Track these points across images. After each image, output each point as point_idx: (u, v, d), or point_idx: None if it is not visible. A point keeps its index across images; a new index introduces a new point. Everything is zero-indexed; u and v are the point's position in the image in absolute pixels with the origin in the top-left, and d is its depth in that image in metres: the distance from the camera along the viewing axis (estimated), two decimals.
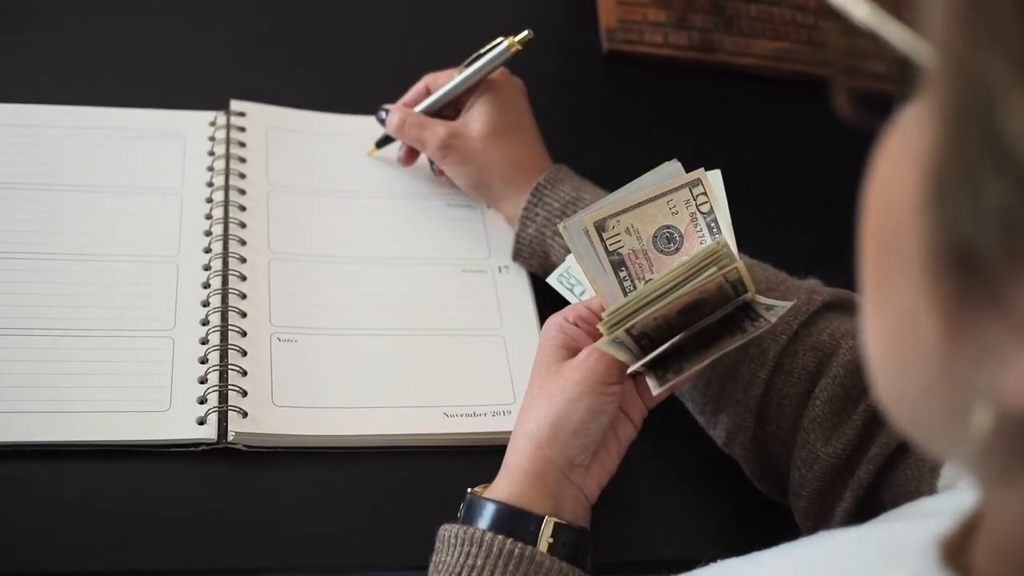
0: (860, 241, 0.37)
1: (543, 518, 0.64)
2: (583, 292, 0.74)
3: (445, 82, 0.88)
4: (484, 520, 0.64)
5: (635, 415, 0.70)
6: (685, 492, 0.79)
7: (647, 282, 0.68)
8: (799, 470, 0.72)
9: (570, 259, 0.74)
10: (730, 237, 0.69)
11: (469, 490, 0.68)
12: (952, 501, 0.44)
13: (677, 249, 0.70)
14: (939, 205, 0.31)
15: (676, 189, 0.70)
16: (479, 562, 0.62)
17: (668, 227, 0.70)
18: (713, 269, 0.65)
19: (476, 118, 0.86)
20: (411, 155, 0.92)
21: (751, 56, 1.11)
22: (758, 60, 1.11)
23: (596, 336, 0.68)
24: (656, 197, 0.70)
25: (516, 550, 0.63)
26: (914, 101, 0.34)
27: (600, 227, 0.69)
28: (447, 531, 0.65)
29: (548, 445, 0.66)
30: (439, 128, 0.86)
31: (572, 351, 0.69)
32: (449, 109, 0.89)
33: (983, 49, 0.30)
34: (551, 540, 0.64)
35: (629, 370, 0.67)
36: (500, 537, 0.63)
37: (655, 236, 0.70)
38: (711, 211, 0.70)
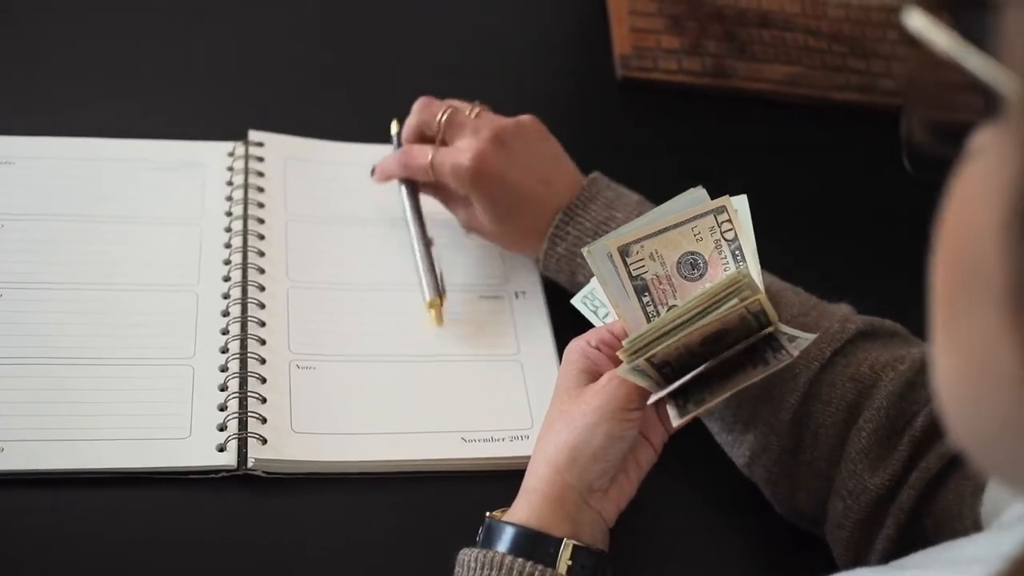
0: (932, 269, 0.36)
1: (562, 540, 0.64)
2: (607, 315, 0.73)
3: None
4: (503, 544, 0.65)
5: (656, 440, 0.70)
6: (708, 517, 0.79)
7: (670, 308, 0.68)
8: (844, 500, 0.71)
9: (594, 281, 0.74)
10: (754, 265, 0.69)
11: (488, 514, 0.68)
12: (994, 545, 0.44)
13: (701, 275, 0.70)
14: (1021, 239, 0.31)
15: (701, 216, 0.70)
16: None
17: (692, 253, 0.70)
18: (735, 300, 0.64)
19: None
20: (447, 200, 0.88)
21: (764, 81, 1.12)
22: (771, 85, 1.11)
23: (618, 361, 0.68)
24: (681, 223, 0.70)
25: (536, 573, 0.63)
26: (992, 130, 0.34)
27: (624, 252, 0.69)
28: (466, 555, 0.65)
29: (567, 469, 0.66)
30: (464, 152, 0.82)
31: (594, 375, 0.69)
32: None
33: None
34: (570, 563, 0.64)
35: (650, 400, 0.67)
36: (520, 560, 0.63)
37: (679, 262, 0.70)
38: (735, 238, 0.70)
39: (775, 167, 1.07)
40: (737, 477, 0.77)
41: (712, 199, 0.71)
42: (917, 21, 0.36)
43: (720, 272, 0.69)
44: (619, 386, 0.66)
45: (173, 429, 0.74)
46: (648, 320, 0.69)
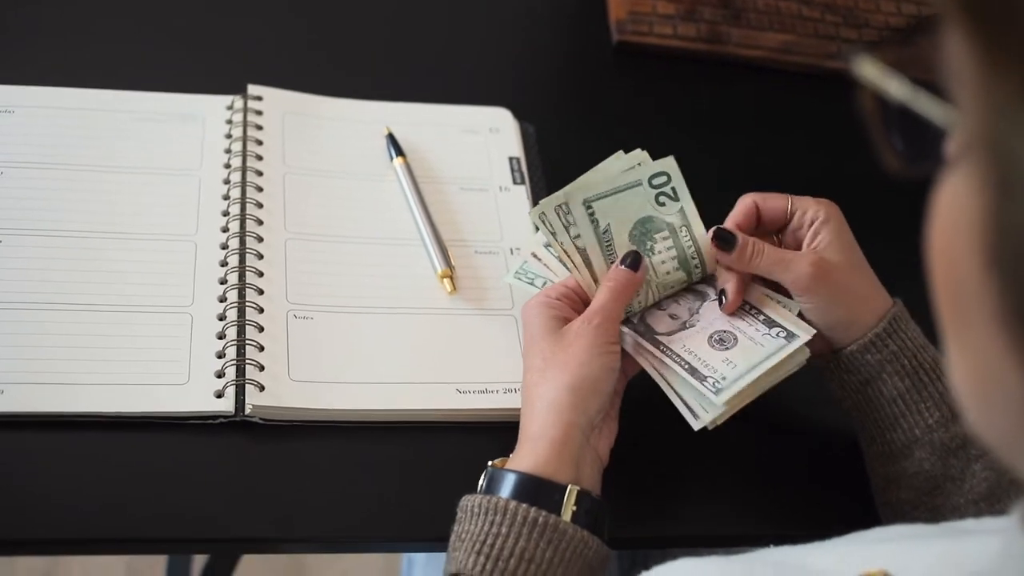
0: (932, 287, 0.37)
1: (567, 487, 0.66)
2: (544, 283, 0.80)
3: (779, 207, 0.77)
4: (506, 490, 0.66)
5: (628, 368, 0.75)
6: (707, 469, 0.81)
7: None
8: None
9: (527, 256, 0.81)
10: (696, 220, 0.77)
11: (490, 463, 0.69)
12: (1001, 521, 0.45)
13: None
14: (1002, 273, 0.32)
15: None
16: (503, 530, 0.64)
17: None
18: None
19: (834, 248, 0.74)
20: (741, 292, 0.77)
21: (759, 48, 1.13)
22: (765, 52, 1.13)
23: (580, 310, 0.74)
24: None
25: (540, 518, 0.64)
26: (958, 161, 0.35)
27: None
28: (469, 501, 0.67)
29: (572, 408, 0.68)
30: (805, 259, 0.74)
31: (564, 323, 0.73)
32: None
33: (1013, 127, 0.30)
34: (574, 508, 0.65)
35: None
36: (524, 505, 0.64)
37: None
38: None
39: (767, 132, 1.08)
40: (733, 434, 0.79)
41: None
42: (868, 70, 0.37)
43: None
44: (602, 323, 0.71)
45: (172, 375, 0.75)
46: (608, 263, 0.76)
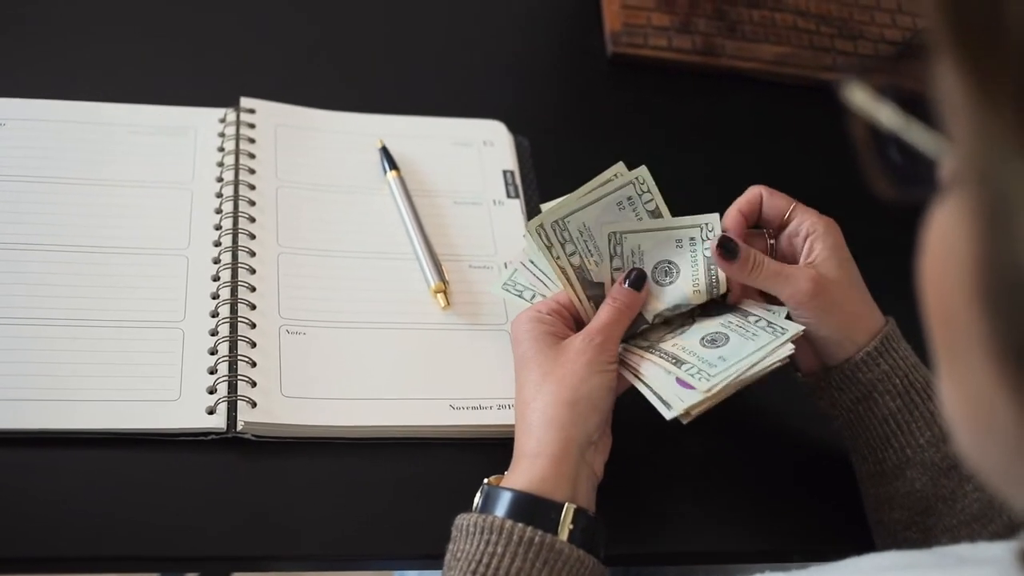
0: (924, 315, 0.37)
1: (563, 505, 0.65)
2: (533, 296, 0.79)
3: (780, 206, 0.78)
4: (502, 509, 0.65)
5: (619, 386, 0.74)
6: (698, 485, 0.80)
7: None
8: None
9: (516, 267, 0.81)
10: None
11: (485, 480, 0.69)
12: (996, 549, 0.44)
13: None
14: (993, 309, 0.31)
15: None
16: (499, 550, 0.63)
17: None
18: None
19: (831, 264, 0.74)
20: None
21: (754, 60, 1.12)
22: (760, 64, 1.12)
23: (571, 325, 0.74)
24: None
25: (536, 538, 0.63)
26: (950, 188, 0.34)
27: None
28: (464, 520, 0.66)
29: (572, 425, 0.68)
30: (804, 274, 0.73)
31: (557, 338, 0.73)
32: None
33: (1004, 162, 0.30)
34: (571, 527, 0.65)
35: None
36: (520, 525, 0.64)
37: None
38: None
39: (763, 145, 1.08)
40: (728, 448, 0.78)
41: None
42: (859, 98, 0.37)
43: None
44: (602, 342, 0.71)
45: (163, 391, 0.75)
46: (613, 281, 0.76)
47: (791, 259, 0.77)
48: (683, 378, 0.70)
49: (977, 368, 0.33)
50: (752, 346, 0.72)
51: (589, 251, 0.75)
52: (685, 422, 0.70)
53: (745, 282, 0.75)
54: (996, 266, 0.31)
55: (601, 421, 0.70)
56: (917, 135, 0.35)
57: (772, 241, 0.78)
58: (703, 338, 0.74)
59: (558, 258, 0.75)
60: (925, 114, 0.35)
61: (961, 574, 0.46)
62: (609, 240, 0.76)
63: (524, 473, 0.67)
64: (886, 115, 0.36)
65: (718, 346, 0.73)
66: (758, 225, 0.79)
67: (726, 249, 0.74)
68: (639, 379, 0.73)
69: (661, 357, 0.73)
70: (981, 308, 0.32)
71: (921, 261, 0.36)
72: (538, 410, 0.69)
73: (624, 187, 0.77)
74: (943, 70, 0.32)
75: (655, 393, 0.71)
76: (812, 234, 0.76)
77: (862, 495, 0.77)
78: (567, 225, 0.75)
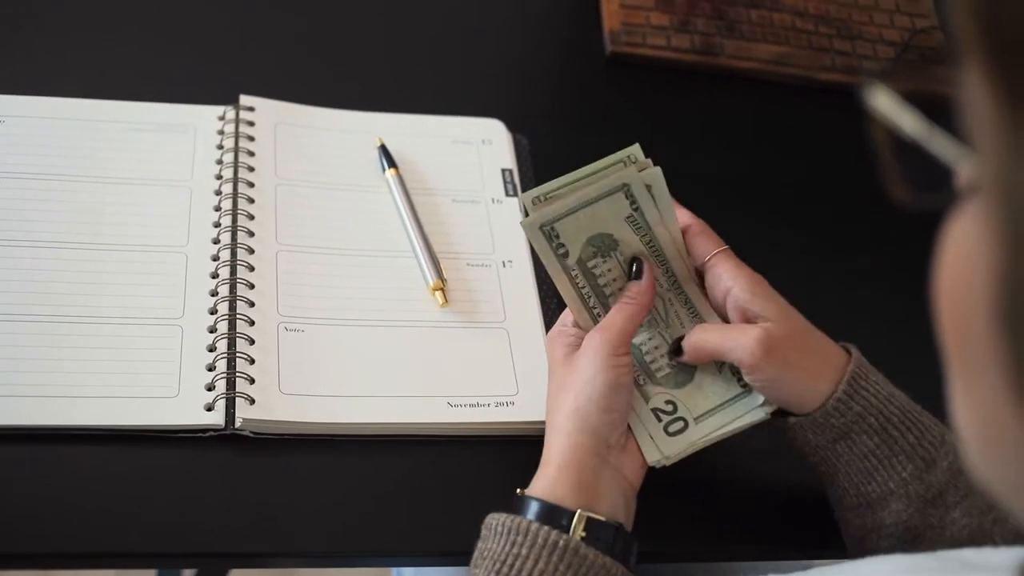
0: (938, 327, 0.36)
1: (575, 513, 0.65)
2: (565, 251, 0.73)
3: (700, 251, 0.74)
4: (530, 513, 0.66)
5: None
6: (692, 486, 0.80)
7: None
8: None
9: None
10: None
11: (517, 490, 0.68)
12: (1002, 555, 0.44)
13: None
14: (1011, 328, 0.31)
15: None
16: (524, 551, 0.63)
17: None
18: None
19: (774, 320, 0.70)
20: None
21: (752, 60, 1.12)
22: (759, 64, 1.12)
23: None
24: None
25: (561, 541, 0.63)
26: (970, 197, 0.33)
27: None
28: (494, 519, 0.66)
29: (578, 431, 0.68)
30: (751, 333, 0.69)
31: (576, 350, 0.72)
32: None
33: None
34: (584, 534, 0.64)
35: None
36: (546, 528, 0.64)
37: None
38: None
39: (761, 144, 1.08)
40: (720, 452, 0.78)
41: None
42: (882, 102, 0.36)
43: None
44: (602, 337, 0.70)
45: (161, 388, 0.75)
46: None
47: (718, 311, 0.74)
48: (661, 435, 0.73)
49: (992, 387, 0.33)
50: (727, 415, 0.74)
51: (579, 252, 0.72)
52: (658, 467, 0.72)
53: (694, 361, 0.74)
54: (1017, 287, 0.30)
55: (616, 421, 0.69)
56: (940, 144, 0.34)
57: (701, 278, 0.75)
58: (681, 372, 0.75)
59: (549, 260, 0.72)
60: (946, 121, 0.34)
61: None
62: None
63: (537, 481, 0.68)
64: (909, 123, 0.35)
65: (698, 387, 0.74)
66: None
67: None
68: (633, 412, 0.73)
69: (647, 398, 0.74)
70: (1001, 328, 0.31)
71: (937, 274, 0.35)
72: (552, 421, 0.70)
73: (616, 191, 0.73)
74: (971, 79, 0.31)
75: (649, 435, 0.73)
76: (730, 294, 0.71)
77: (841, 526, 0.75)
78: (559, 233, 0.71)
